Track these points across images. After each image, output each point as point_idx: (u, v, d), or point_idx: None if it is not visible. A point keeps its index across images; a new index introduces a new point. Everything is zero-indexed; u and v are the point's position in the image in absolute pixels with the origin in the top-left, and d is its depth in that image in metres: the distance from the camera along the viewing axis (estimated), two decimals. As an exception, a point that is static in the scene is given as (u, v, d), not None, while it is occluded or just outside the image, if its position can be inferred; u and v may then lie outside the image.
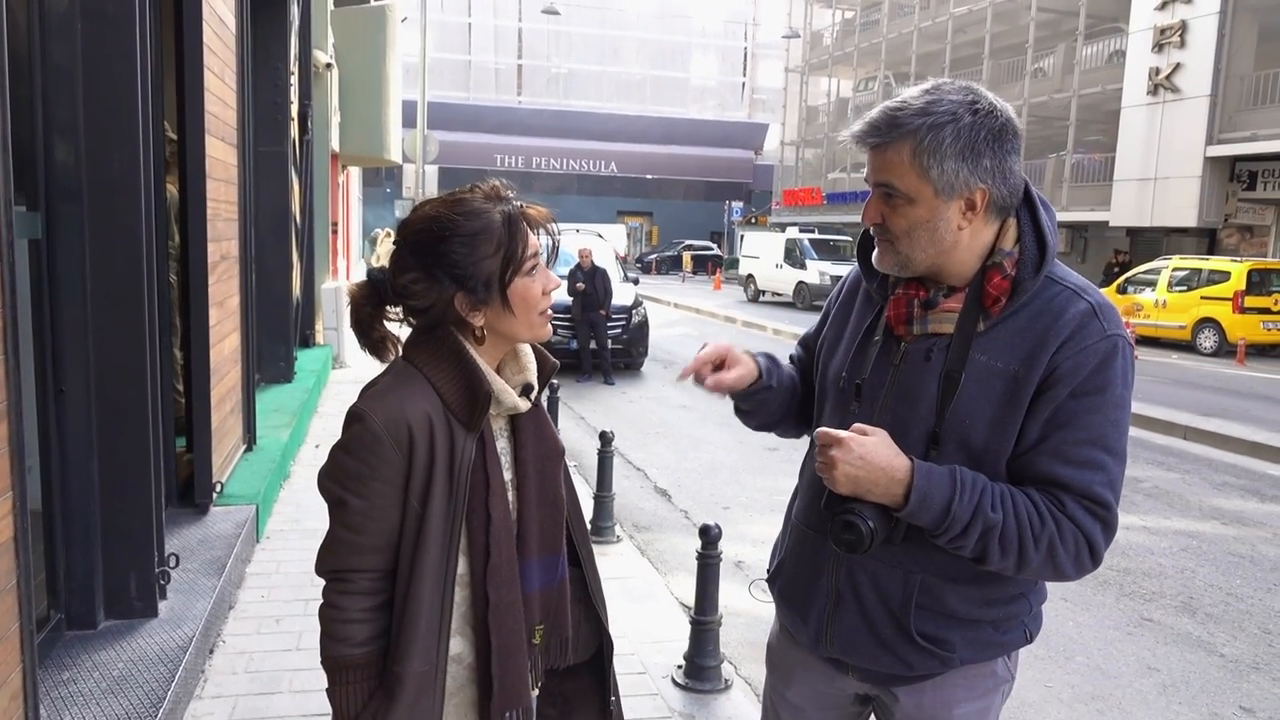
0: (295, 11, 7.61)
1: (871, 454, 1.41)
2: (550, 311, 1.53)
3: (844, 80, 36.15)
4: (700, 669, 3.47)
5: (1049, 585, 1.66)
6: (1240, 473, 7.94)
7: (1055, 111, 24.67)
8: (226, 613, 3.80)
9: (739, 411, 1.82)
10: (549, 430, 1.60)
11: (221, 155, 4.65)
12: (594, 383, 11.31)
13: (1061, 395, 1.40)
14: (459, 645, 1.50)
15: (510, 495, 1.53)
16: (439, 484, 1.43)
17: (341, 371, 10.03)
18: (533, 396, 1.56)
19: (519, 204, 1.48)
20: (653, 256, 41.49)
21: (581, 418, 9.17)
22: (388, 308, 1.51)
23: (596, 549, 4.97)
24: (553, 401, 6.89)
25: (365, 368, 8.90)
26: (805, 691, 1.73)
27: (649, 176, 45.89)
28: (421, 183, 18.15)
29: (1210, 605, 4.84)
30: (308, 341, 9.48)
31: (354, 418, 1.45)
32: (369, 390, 1.49)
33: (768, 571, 1.80)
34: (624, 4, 47.31)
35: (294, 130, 7.57)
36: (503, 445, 1.55)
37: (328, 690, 1.49)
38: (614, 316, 11.74)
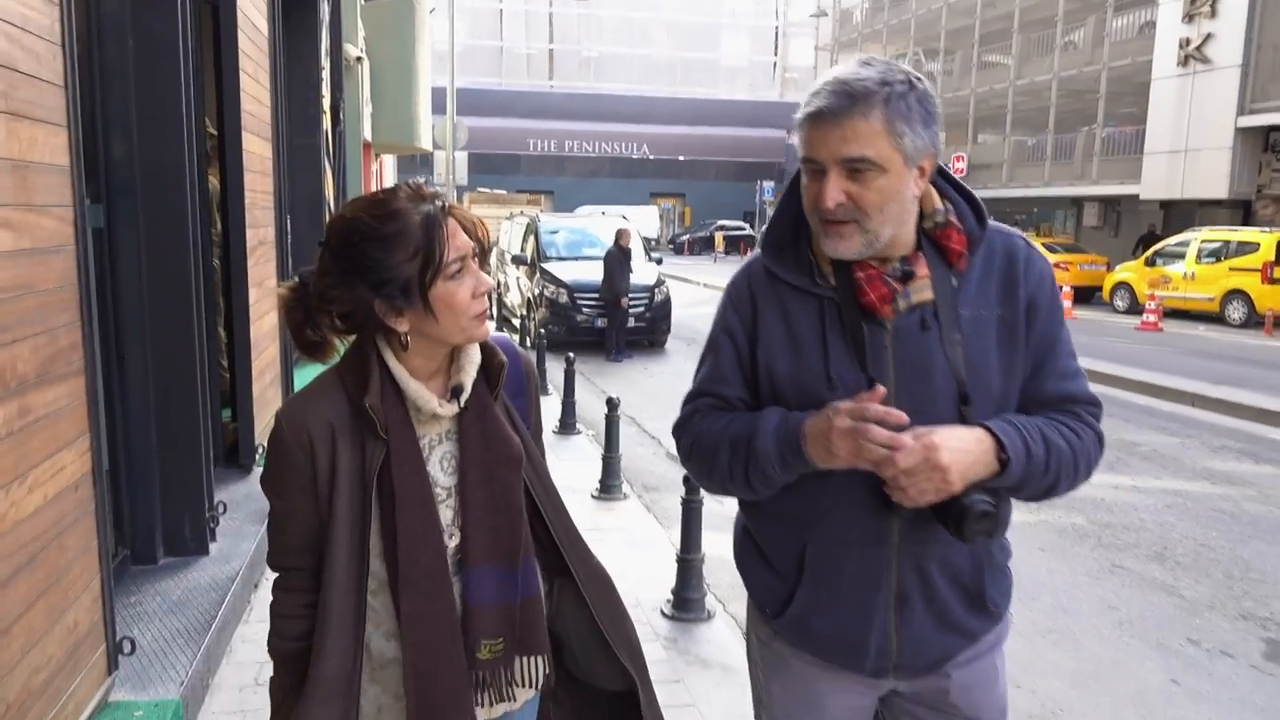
0: (325, 9, 8.04)
1: (954, 437, 1.39)
2: (486, 312, 1.45)
3: (874, 57, 35.96)
4: (686, 601, 3.89)
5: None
6: (1242, 437, 8.13)
7: (1086, 84, 24.49)
8: (269, 557, 4.27)
9: (765, 488, 1.57)
10: (501, 433, 1.48)
11: (258, 149, 5.10)
12: (626, 360, 11.96)
13: (1040, 321, 1.52)
14: (394, 650, 1.46)
15: (453, 501, 1.47)
16: (343, 491, 1.40)
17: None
18: (463, 400, 1.46)
19: (442, 204, 1.39)
20: (685, 237, 41.76)
21: (602, 391, 9.59)
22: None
23: (604, 505, 5.49)
24: (569, 375, 7.31)
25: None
26: (840, 715, 1.67)
27: (681, 158, 46.06)
28: (452, 169, 18.63)
29: (1181, 554, 5.13)
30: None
31: (275, 421, 1.46)
32: (295, 393, 1.48)
33: (771, 617, 1.65)
34: (654, -14, 47.44)
35: (326, 122, 8.03)
36: (448, 449, 1.48)
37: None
38: (635, 296, 12.31)
